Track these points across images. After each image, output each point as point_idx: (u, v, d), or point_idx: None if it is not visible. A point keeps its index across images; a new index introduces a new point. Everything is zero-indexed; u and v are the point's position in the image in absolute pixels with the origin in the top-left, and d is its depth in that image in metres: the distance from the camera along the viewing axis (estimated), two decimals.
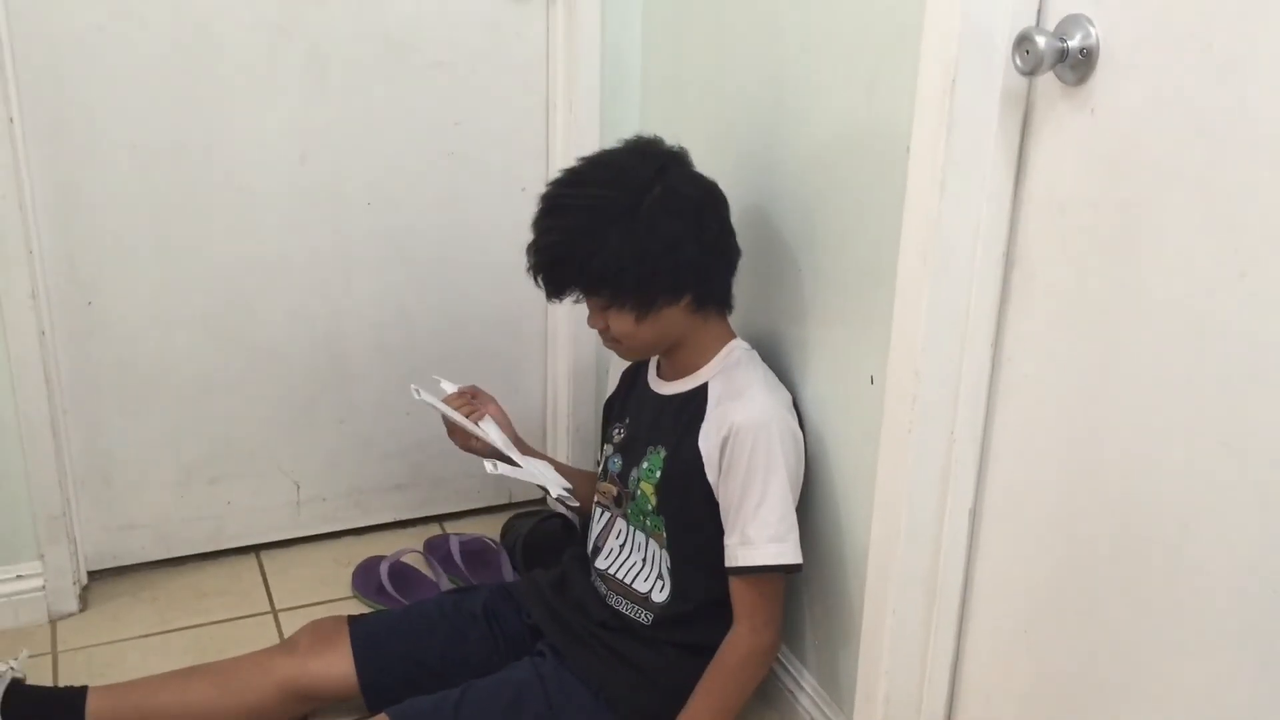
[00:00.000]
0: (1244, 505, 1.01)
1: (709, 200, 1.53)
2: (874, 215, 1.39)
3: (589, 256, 1.47)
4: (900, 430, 1.34)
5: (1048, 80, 1.15)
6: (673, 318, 1.53)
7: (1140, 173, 1.07)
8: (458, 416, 1.68)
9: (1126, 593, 1.15)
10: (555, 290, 1.54)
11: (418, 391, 1.66)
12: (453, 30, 1.91)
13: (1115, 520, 1.15)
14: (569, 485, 1.69)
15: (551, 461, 1.78)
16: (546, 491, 1.70)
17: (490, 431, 1.70)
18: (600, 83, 1.94)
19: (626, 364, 1.74)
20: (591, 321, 1.57)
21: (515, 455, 1.68)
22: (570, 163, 1.84)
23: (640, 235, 1.47)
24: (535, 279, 1.54)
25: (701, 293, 1.54)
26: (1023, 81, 1.18)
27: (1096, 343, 1.15)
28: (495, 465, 1.62)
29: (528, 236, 2.02)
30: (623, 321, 1.52)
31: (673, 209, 1.49)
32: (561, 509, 1.92)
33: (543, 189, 1.56)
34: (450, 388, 1.75)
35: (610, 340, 1.58)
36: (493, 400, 1.76)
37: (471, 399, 1.73)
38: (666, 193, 1.49)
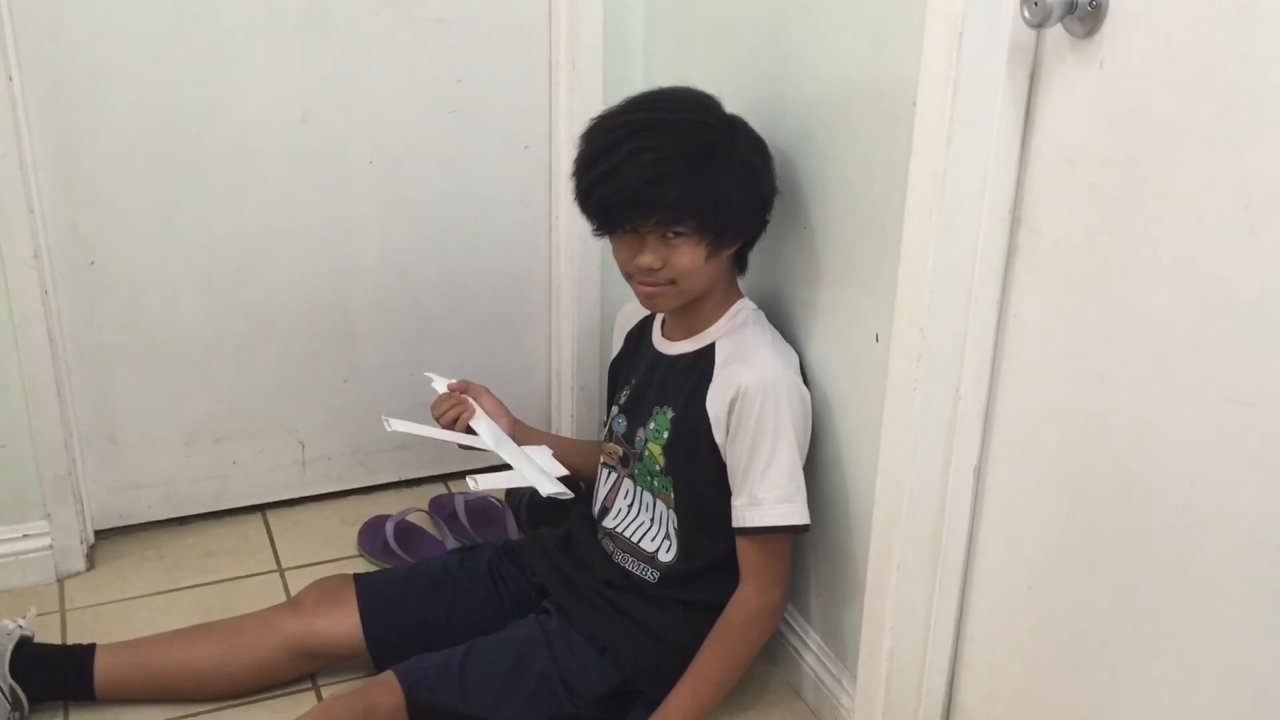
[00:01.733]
0: (1251, 462, 1.01)
1: (766, 147, 1.53)
2: (880, 172, 1.38)
3: (696, 177, 1.43)
4: (905, 388, 1.33)
5: (1056, 33, 1.14)
6: (719, 265, 1.52)
7: (1149, 127, 1.06)
8: (440, 436, 1.65)
9: (1131, 550, 1.15)
10: (629, 218, 1.46)
11: (389, 423, 1.61)
12: None
13: (1120, 477, 1.15)
14: (564, 474, 1.63)
15: (554, 440, 1.76)
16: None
17: (482, 431, 1.66)
18: (603, 39, 1.92)
19: (629, 325, 1.74)
20: (648, 260, 1.48)
21: (508, 452, 1.64)
22: (575, 119, 1.82)
23: (738, 163, 1.46)
24: (602, 206, 1.47)
25: (751, 241, 1.54)
26: (1031, 34, 1.16)
27: (1104, 300, 1.14)
28: (476, 481, 1.55)
29: (531, 195, 2.05)
30: (694, 256, 1.47)
31: (754, 144, 1.50)
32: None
33: (588, 125, 1.51)
34: (441, 385, 1.72)
35: (655, 285, 1.51)
36: (485, 391, 1.73)
37: (460, 395, 1.69)
38: (746, 129, 1.49)
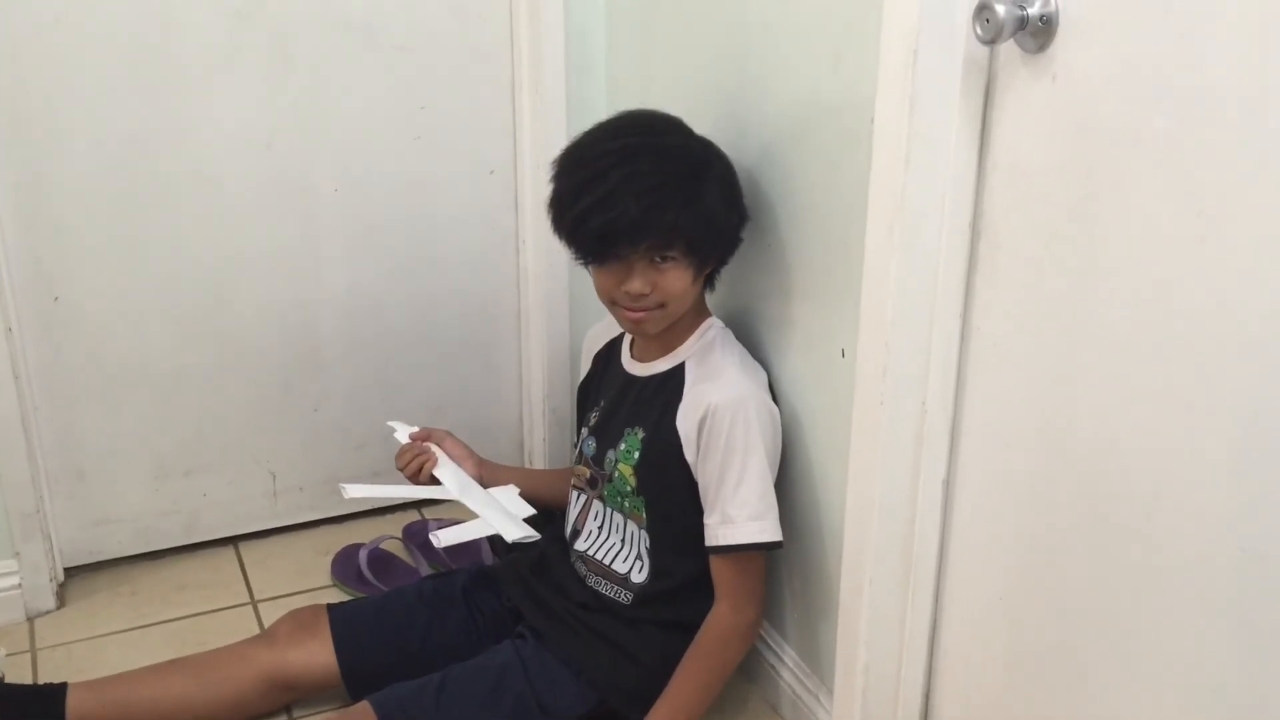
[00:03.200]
0: (1214, 467, 1.02)
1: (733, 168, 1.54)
2: (842, 189, 1.39)
3: (689, 203, 1.44)
4: (872, 403, 1.34)
5: (1009, 48, 1.15)
6: (699, 285, 1.53)
7: (1102, 138, 1.07)
8: (400, 494, 1.65)
9: (1099, 557, 1.16)
10: (619, 246, 1.44)
11: (345, 490, 1.60)
12: (415, 13, 1.90)
13: (1087, 485, 1.16)
14: (530, 513, 1.61)
15: (524, 475, 1.75)
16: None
17: (445, 480, 1.65)
18: (565, 63, 1.93)
19: (597, 346, 1.74)
20: (637, 285, 1.47)
21: (472, 499, 1.62)
22: (540, 143, 1.83)
23: (719, 184, 1.48)
24: (594, 236, 1.44)
25: (724, 261, 1.55)
26: (984, 50, 1.18)
27: (1063, 310, 1.15)
28: (438, 537, 1.54)
29: (497, 219, 2.06)
30: (683, 279, 1.48)
31: (728, 165, 1.51)
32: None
33: (562, 150, 1.52)
34: (403, 434, 1.72)
35: (641, 310, 1.50)
36: (447, 436, 1.73)
37: (422, 445, 1.69)
38: (718, 149, 1.51)
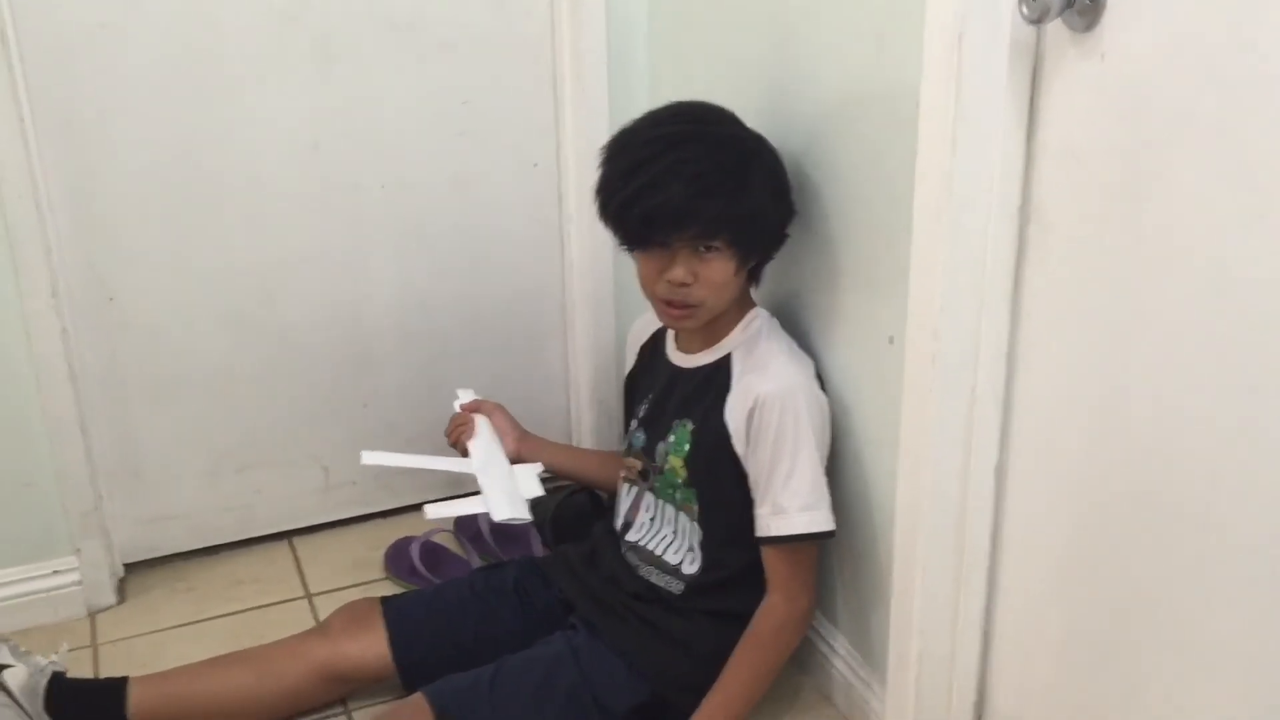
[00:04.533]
0: (1271, 451, 1.00)
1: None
2: (888, 174, 1.38)
3: (737, 191, 1.44)
4: (921, 390, 1.33)
5: (1056, 28, 1.14)
6: (742, 278, 1.53)
7: (1153, 118, 1.06)
8: (417, 464, 1.72)
9: (1155, 543, 1.14)
10: (665, 232, 1.44)
11: (363, 456, 1.69)
12: (457, 9, 1.90)
13: (1142, 471, 1.14)
14: (536, 495, 1.65)
15: (568, 453, 1.84)
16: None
17: (474, 452, 1.70)
18: (607, 55, 1.93)
19: (642, 339, 1.74)
20: (679, 275, 1.46)
21: (487, 473, 1.66)
22: (583, 135, 1.84)
23: (769, 176, 1.48)
24: (641, 220, 1.44)
25: (770, 256, 1.55)
26: (1031, 30, 1.16)
27: (1116, 293, 1.14)
28: (428, 511, 1.60)
29: (542, 213, 2.06)
30: (724, 270, 1.47)
31: (777, 159, 1.50)
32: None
33: (610, 138, 1.52)
34: (466, 396, 1.77)
35: (683, 305, 1.49)
36: (497, 409, 1.77)
37: (467, 415, 1.74)
38: (768, 142, 1.50)
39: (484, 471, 1.67)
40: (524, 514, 1.61)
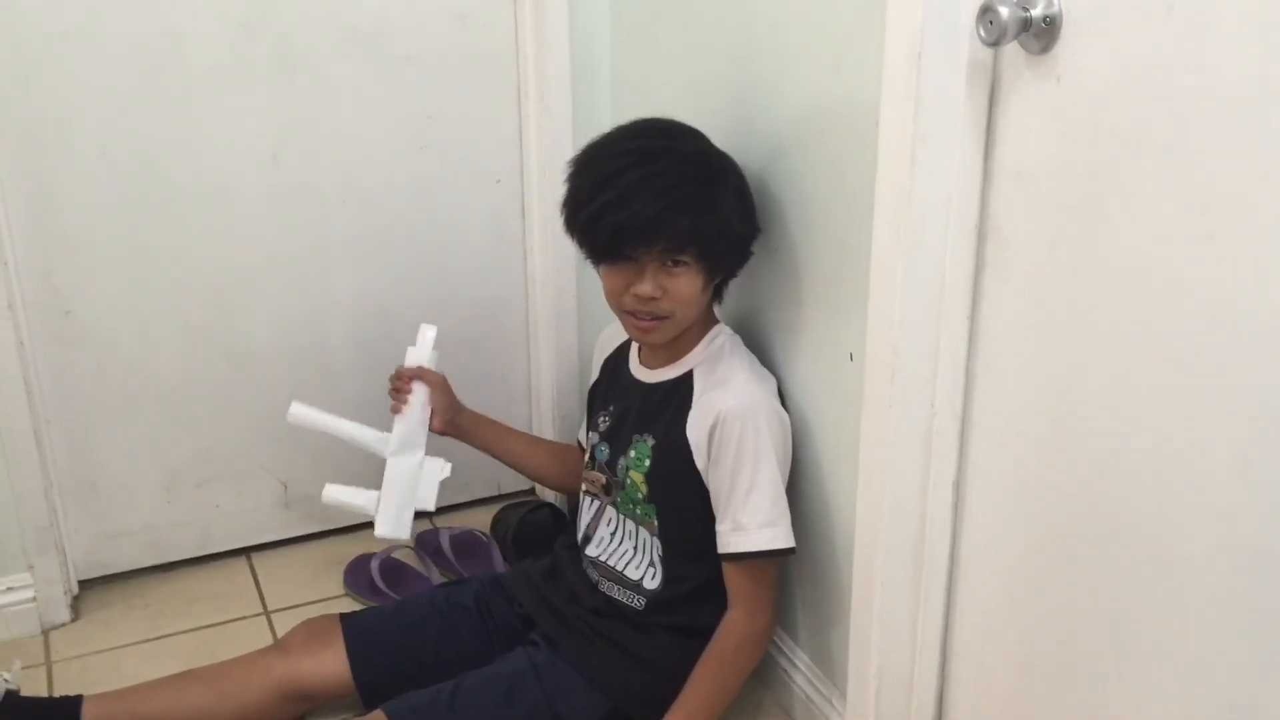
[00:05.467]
0: (1223, 465, 1.02)
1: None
2: (847, 192, 1.39)
3: (705, 206, 1.44)
4: (881, 406, 1.34)
5: (1013, 50, 1.15)
6: (708, 294, 1.53)
7: (1107, 139, 1.07)
8: (340, 430, 1.77)
9: (1110, 557, 1.16)
10: (639, 243, 1.44)
11: (291, 409, 1.77)
12: (420, 23, 1.90)
13: (1096, 485, 1.16)
14: (428, 508, 1.75)
15: (511, 435, 1.88)
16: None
17: (395, 432, 1.75)
18: (571, 70, 1.93)
19: (606, 351, 1.74)
20: (647, 289, 1.47)
21: (394, 467, 1.74)
22: (544, 152, 1.85)
23: (735, 193, 1.48)
24: (609, 234, 1.44)
25: (734, 272, 1.55)
26: (988, 52, 1.18)
27: (1071, 311, 1.15)
28: (326, 491, 1.76)
29: (505, 228, 2.06)
30: (692, 285, 1.48)
31: (742, 177, 1.51)
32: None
33: (577, 152, 1.53)
34: (428, 335, 1.80)
35: (651, 319, 1.50)
36: (440, 384, 1.78)
37: (404, 385, 1.77)
38: (733, 160, 1.51)
39: (392, 464, 1.74)
40: (404, 536, 1.75)
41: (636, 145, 1.48)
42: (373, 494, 1.75)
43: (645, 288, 1.47)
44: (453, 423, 1.79)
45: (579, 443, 1.86)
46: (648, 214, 1.42)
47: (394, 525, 1.73)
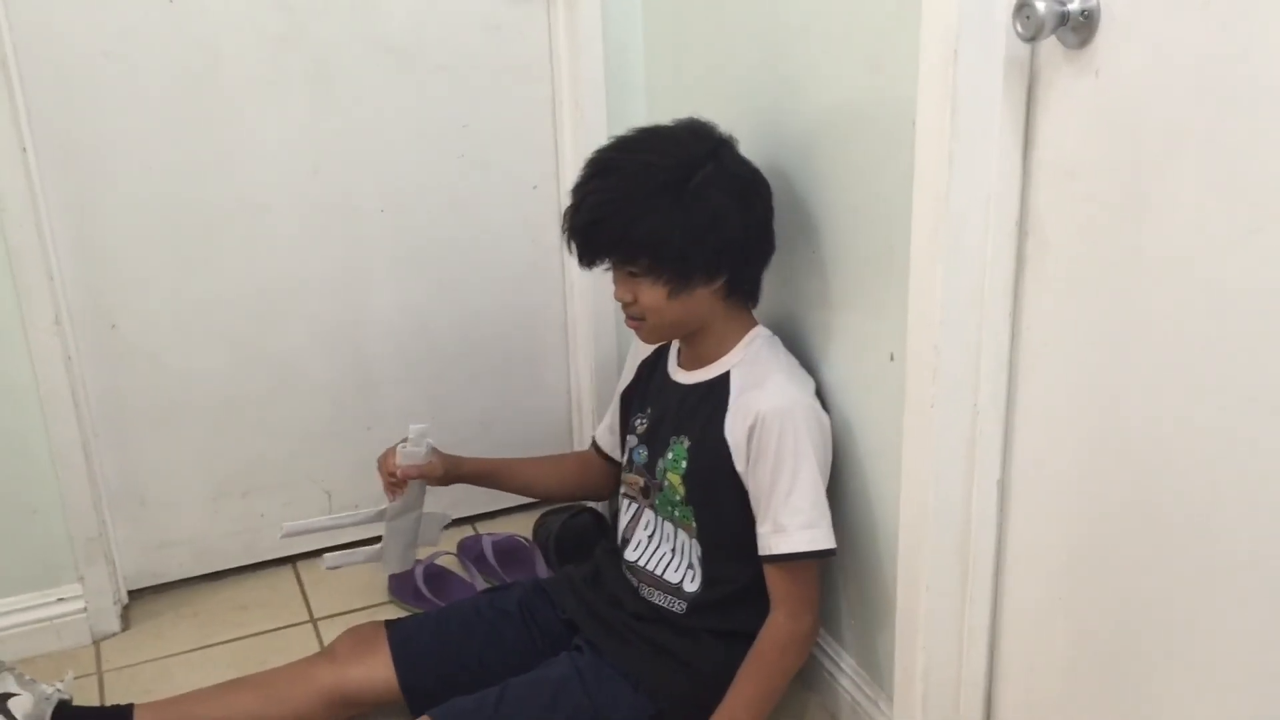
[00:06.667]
0: (1271, 461, 1.00)
1: (757, 184, 1.54)
2: (885, 193, 1.38)
3: (634, 220, 1.47)
4: (923, 406, 1.34)
5: (1050, 45, 1.14)
6: (703, 300, 1.52)
7: (1148, 133, 1.06)
8: (334, 526, 1.85)
9: (1157, 555, 1.14)
10: (590, 254, 1.52)
11: (283, 529, 1.82)
12: (454, 34, 1.92)
13: (1142, 482, 1.15)
14: (431, 551, 1.87)
15: (499, 465, 1.87)
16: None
17: (391, 510, 1.78)
18: (604, 77, 1.94)
19: (643, 354, 1.74)
20: (618, 293, 1.55)
21: (393, 527, 1.79)
22: (581, 157, 1.84)
23: (688, 206, 1.47)
24: (570, 242, 1.53)
25: (736, 277, 1.54)
26: (1025, 48, 1.17)
27: (1113, 308, 1.14)
28: (326, 560, 1.82)
29: (541, 235, 2.07)
30: (654, 295, 1.51)
31: (722, 185, 1.49)
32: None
33: (576, 173, 1.56)
34: (418, 433, 1.75)
35: (633, 319, 1.57)
36: (436, 470, 1.76)
37: (390, 480, 1.76)
38: (718, 169, 1.49)
39: (391, 525, 1.78)
40: (409, 566, 1.85)
41: (601, 156, 1.54)
42: (374, 548, 1.81)
43: (617, 293, 1.55)
44: (453, 476, 1.79)
45: (593, 441, 1.88)
46: (581, 225, 1.51)
47: (400, 562, 1.83)
